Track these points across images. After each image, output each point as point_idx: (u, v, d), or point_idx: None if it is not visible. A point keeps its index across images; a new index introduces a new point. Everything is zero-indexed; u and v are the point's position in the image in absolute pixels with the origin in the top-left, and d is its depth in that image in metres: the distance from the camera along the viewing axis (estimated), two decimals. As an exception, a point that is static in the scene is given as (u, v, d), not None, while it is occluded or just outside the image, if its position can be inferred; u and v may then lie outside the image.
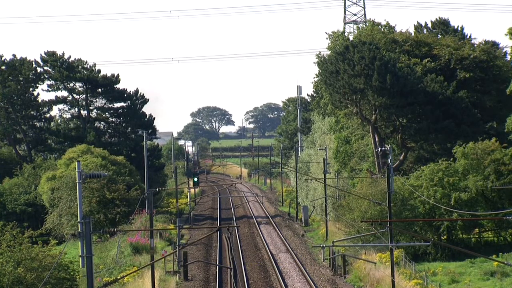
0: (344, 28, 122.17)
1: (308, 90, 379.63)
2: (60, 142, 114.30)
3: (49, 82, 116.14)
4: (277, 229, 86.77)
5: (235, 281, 52.57)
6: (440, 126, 77.25)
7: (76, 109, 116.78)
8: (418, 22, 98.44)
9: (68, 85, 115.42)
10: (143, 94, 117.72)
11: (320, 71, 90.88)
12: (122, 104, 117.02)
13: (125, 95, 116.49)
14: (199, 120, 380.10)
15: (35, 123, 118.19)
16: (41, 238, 70.88)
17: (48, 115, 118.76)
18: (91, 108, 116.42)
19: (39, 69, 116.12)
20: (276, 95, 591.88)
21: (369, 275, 53.14)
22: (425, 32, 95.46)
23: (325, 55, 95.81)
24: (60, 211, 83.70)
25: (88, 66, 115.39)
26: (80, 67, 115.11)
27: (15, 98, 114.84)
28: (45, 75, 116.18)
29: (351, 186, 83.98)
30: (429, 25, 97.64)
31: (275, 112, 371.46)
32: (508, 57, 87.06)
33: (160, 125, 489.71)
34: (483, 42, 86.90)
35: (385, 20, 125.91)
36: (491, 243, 66.55)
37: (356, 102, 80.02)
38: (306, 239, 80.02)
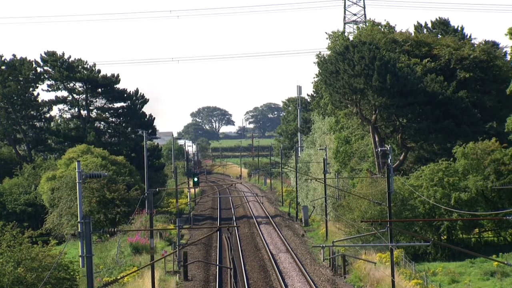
0: (344, 28, 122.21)
1: (308, 90, 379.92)
2: (60, 142, 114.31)
3: (49, 82, 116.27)
4: (277, 229, 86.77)
5: (235, 281, 52.57)
6: (440, 126, 77.25)
7: (76, 109, 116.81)
8: (418, 22, 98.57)
9: (68, 85, 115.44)
10: (143, 94, 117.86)
11: (320, 71, 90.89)
12: (122, 104, 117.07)
13: (125, 95, 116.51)
14: (199, 120, 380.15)
15: (35, 123, 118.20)
16: (41, 238, 70.88)
17: (48, 115, 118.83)
18: (91, 108, 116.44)
19: (39, 69, 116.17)
20: (276, 95, 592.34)
21: (369, 275, 53.14)
22: (425, 32, 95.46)
23: (325, 55, 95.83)
24: (60, 211, 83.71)
25: (88, 66, 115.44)
26: (80, 67, 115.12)
27: (15, 98, 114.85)
28: (45, 75, 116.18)
29: (351, 186, 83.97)
30: (429, 25, 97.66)
31: (275, 112, 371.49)
32: (508, 57, 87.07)
33: (160, 125, 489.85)
34: (483, 42, 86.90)
35: (385, 20, 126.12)
36: (491, 243, 66.55)
37: (356, 102, 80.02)
38: (306, 239, 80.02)
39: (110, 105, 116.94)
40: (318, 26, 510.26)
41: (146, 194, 65.24)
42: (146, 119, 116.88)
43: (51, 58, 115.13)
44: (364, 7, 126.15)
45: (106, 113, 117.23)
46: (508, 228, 65.58)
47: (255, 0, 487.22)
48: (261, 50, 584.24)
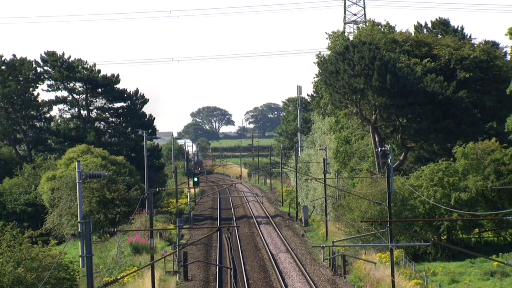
0: (344, 28, 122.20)
1: (308, 90, 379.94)
2: (60, 142, 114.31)
3: (49, 82, 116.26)
4: (277, 229, 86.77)
5: (235, 281, 52.57)
6: (440, 126, 77.24)
7: (76, 109, 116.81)
8: (418, 22, 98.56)
9: (68, 85, 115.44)
10: (143, 94, 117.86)
11: (320, 71, 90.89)
12: (122, 104, 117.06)
13: (125, 95, 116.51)
14: (199, 120, 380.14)
15: (35, 123, 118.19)
16: (41, 238, 70.87)
17: (48, 115, 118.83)
18: (91, 108, 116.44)
19: (39, 69, 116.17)
20: (276, 95, 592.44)
21: (369, 275, 53.14)
22: (425, 32, 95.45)
23: (325, 55, 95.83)
24: (60, 211, 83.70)
25: (88, 66, 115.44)
26: (80, 67, 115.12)
27: (15, 98, 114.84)
28: (45, 75, 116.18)
29: (351, 186, 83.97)
30: (429, 25, 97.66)
31: (275, 112, 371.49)
32: (508, 57, 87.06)
33: (160, 125, 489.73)
34: (483, 42, 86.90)
35: (385, 20, 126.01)
36: (491, 243, 66.54)
37: (356, 102, 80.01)
38: (306, 239, 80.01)
39: (110, 105, 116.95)
40: (318, 26, 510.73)
41: (146, 194, 65.24)
42: (146, 119, 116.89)
43: (51, 58, 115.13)
44: (364, 7, 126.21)
45: (106, 113, 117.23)
46: (508, 228, 65.58)
47: (255, 0, 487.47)
48: (261, 50, 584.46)
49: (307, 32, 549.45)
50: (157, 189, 78.76)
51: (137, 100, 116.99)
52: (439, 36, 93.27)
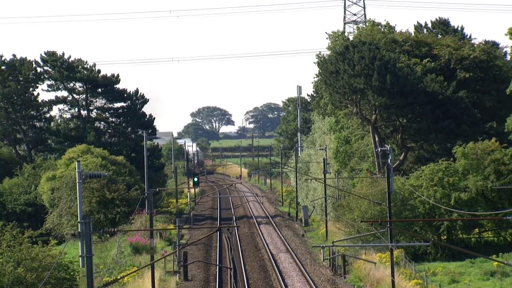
0: (344, 28, 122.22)
1: (308, 90, 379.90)
2: (60, 142, 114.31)
3: (49, 82, 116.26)
4: (277, 229, 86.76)
5: (235, 281, 52.57)
6: (440, 126, 77.25)
7: (76, 109, 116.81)
8: (418, 22, 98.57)
9: (68, 85, 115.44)
10: (143, 94, 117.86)
11: (320, 71, 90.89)
12: (122, 104, 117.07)
13: (125, 95, 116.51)
14: (199, 120, 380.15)
15: (35, 123, 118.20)
16: (41, 238, 70.87)
17: (48, 115, 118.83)
18: (91, 108, 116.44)
19: (39, 69, 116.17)
20: (276, 95, 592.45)
21: (369, 275, 53.14)
22: (425, 32, 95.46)
23: (325, 55, 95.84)
24: (60, 211, 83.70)
25: (88, 66, 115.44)
26: (80, 67, 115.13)
27: (15, 98, 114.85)
28: (45, 75, 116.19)
29: (351, 186, 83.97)
30: (429, 25, 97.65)
31: (275, 112, 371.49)
32: (508, 57, 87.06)
33: (160, 125, 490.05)
34: (483, 42, 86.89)
35: (385, 20, 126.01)
36: (491, 243, 66.54)
37: (356, 102, 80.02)
38: (306, 239, 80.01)
39: (110, 105, 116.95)
40: (318, 26, 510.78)
41: (146, 194, 65.23)
42: (146, 119, 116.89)
43: (51, 58, 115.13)
44: (364, 7, 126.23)
45: (106, 113, 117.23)
46: (508, 228, 65.58)
47: (255, 0, 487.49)
48: (261, 50, 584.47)
49: (307, 32, 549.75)
50: (157, 189, 78.76)
51: (137, 100, 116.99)
52: (439, 36, 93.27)
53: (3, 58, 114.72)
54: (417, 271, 53.31)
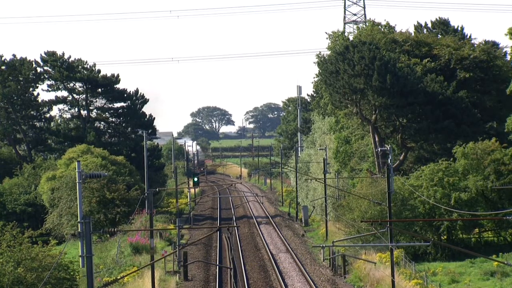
0: (344, 28, 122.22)
1: (308, 90, 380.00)
2: (60, 142, 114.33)
3: (49, 82, 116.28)
4: (277, 229, 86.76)
5: (235, 281, 52.57)
6: (440, 126, 77.25)
7: (76, 109, 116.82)
8: (418, 22, 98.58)
9: (68, 85, 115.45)
10: (143, 94, 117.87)
11: (320, 71, 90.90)
12: (122, 104, 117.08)
13: (125, 95, 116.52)
14: (199, 120, 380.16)
15: (35, 123, 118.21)
16: (41, 238, 70.87)
17: (48, 115, 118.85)
18: (91, 108, 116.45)
19: (39, 69, 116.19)
20: (276, 95, 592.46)
21: (369, 275, 53.14)
22: (425, 32, 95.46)
23: (325, 55, 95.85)
24: (60, 211, 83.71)
25: (88, 66, 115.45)
26: (80, 67, 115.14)
27: (15, 98, 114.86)
28: (45, 75, 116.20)
29: (351, 186, 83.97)
30: (429, 25, 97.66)
31: (275, 112, 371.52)
32: (508, 57, 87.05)
33: (160, 125, 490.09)
34: (483, 42, 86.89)
35: (385, 20, 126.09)
36: (491, 243, 66.54)
37: (356, 102, 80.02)
38: (306, 239, 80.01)
39: (110, 105, 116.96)
40: (318, 26, 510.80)
41: (146, 194, 65.24)
42: (146, 119, 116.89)
43: (51, 58, 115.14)
44: (364, 7, 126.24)
45: (106, 113, 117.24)
46: (508, 228, 65.58)
47: (255, 0, 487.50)
48: (261, 50, 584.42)
49: (307, 32, 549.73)
50: (157, 189, 78.76)
51: (137, 100, 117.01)
52: (439, 36, 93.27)
53: (3, 58, 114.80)
54: (417, 271, 53.31)
